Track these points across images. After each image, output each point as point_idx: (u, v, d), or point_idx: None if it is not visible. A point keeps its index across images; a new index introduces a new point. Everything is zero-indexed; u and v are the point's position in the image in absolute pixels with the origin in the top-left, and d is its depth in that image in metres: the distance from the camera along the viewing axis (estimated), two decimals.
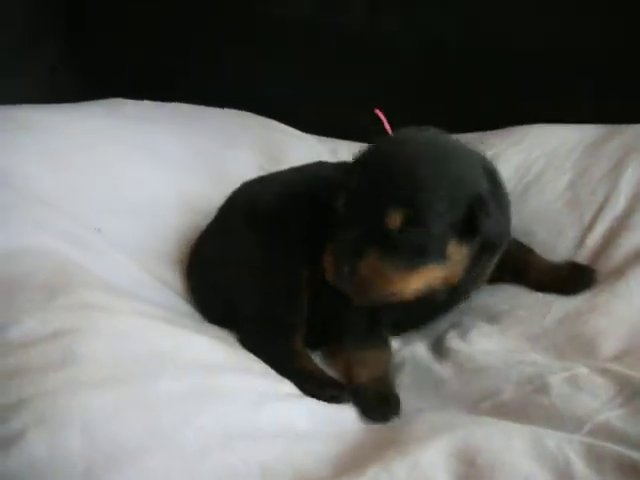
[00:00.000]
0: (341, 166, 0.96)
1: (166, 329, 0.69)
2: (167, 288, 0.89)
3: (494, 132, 1.27)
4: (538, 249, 0.98)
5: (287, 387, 0.71)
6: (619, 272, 0.90)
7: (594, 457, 0.58)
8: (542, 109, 1.30)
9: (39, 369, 0.58)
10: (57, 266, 0.73)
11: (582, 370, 0.73)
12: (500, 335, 0.85)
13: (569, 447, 0.59)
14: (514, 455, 0.59)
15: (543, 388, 0.72)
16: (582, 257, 0.97)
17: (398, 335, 0.90)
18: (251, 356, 0.76)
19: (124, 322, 0.67)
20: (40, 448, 0.52)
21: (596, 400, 0.68)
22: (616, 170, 1.04)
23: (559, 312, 0.86)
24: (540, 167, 1.12)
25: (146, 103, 1.38)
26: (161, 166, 1.07)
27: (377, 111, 0.91)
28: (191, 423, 0.58)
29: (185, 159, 1.14)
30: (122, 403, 0.56)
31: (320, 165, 1.04)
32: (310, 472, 0.59)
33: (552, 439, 0.60)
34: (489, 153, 1.17)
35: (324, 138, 1.51)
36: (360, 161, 0.81)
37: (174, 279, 0.93)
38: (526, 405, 0.71)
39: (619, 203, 0.99)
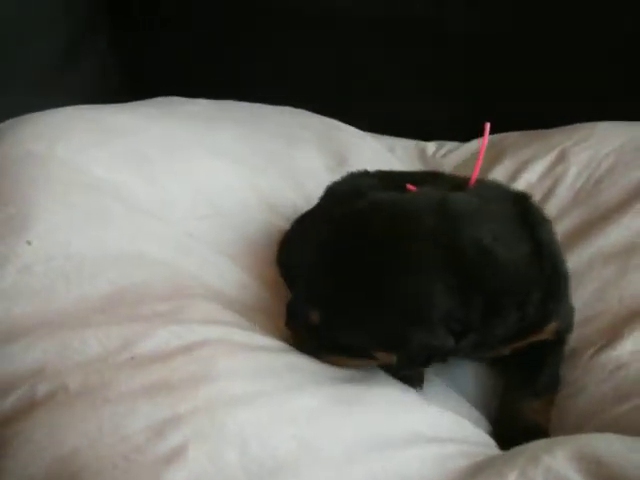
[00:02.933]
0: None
1: None
2: (270, 288, 0.89)
3: (557, 129, 1.28)
4: None
5: (411, 395, 0.72)
6: None
7: None
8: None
9: (186, 384, 0.59)
10: (172, 276, 0.74)
11: None
12: None
13: None
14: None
15: None
16: None
17: None
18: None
19: (253, 335, 0.69)
20: (203, 462, 0.53)
21: None
22: None
23: None
24: (610, 163, 1.12)
25: (202, 102, 1.37)
26: (235, 167, 1.08)
27: (486, 125, 0.86)
28: (335, 434, 0.59)
29: (255, 159, 1.15)
30: (272, 416, 0.57)
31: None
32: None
33: None
34: (556, 150, 1.20)
35: (378, 136, 1.52)
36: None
37: (275, 278, 0.93)
38: None
39: None
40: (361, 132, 1.49)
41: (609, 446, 0.62)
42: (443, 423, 0.70)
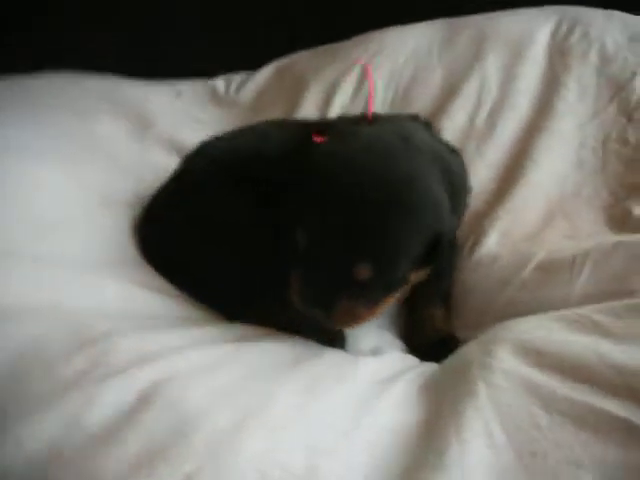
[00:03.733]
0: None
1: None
2: (161, 293, 0.79)
3: (347, 42, 1.31)
4: None
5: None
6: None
7: None
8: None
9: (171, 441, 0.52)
10: (64, 318, 0.62)
11: None
12: None
13: None
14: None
15: None
16: (472, 137, 1.07)
17: None
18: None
19: (193, 356, 0.62)
20: None
21: None
22: (479, 59, 1.16)
23: None
24: (411, 70, 1.20)
25: None
26: (48, 166, 0.90)
27: (367, 66, 0.85)
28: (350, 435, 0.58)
29: (63, 149, 0.98)
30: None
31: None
32: None
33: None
34: (359, 64, 1.23)
35: (164, 81, 1.40)
36: (315, 181, 0.74)
37: (158, 280, 0.83)
38: None
39: (492, 90, 1.12)
40: (142, 81, 1.36)
41: (533, 332, 0.72)
42: (388, 364, 0.74)
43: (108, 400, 0.56)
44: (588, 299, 0.76)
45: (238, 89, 1.40)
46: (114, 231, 0.88)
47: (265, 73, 1.39)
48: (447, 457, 0.56)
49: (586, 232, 0.90)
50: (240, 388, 0.61)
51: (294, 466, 0.54)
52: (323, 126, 0.88)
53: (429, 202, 0.73)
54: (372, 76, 0.90)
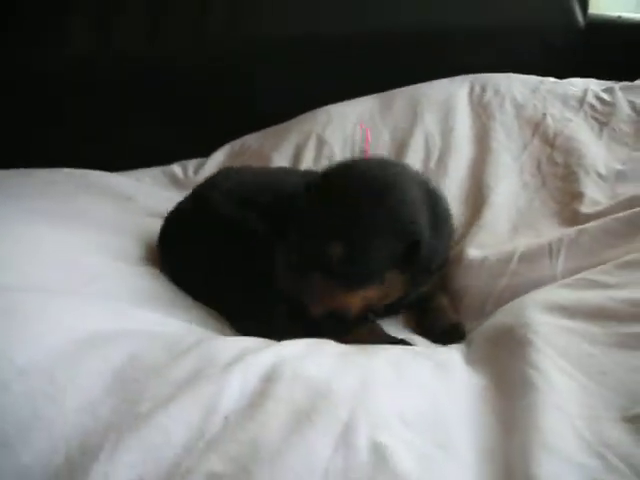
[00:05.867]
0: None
1: None
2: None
3: (294, 120, 1.47)
4: None
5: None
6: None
7: None
8: None
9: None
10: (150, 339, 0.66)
11: None
12: None
13: None
14: None
15: None
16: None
17: None
18: None
19: (284, 349, 0.69)
20: None
21: None
22: (417, 118, 1.37)
23: None
24: (361, 134, 1.38)
25: None
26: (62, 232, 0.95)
27: (362, 126, 1.01)
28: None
29: (59, 223, 1.01)
30: None
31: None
32: None
33: None
34: (314, 135, 1.39)
35: (124, 173, 1.46)
36: (315, 185, 0.88)
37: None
38: None
39: (436, 140, 1.33)
40: (106, 173, 1.42)
41: (549, 297, 0.85)
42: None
43: (235, 385, 0.60)
44: (570, 273, 0.91)
45: (196, 171, 1.49)
46: (138, 278, 0.92)
47: (220, 155, 1.50)
48: (536, 387, 0.65)
49: (548, 232, 1.07)
50: (342, 363, 0.67)
51: (418, 408, 0.61)
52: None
53: (406, 209, 0.85)
54: (369, 137, 1.08)
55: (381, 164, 0.93)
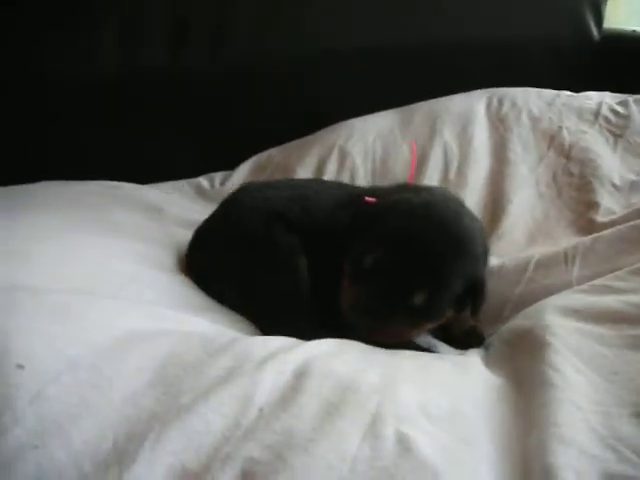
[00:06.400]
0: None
1: None
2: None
3: (322, 131, 1.53)
4: None
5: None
6: None
7: None
8: None
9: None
10: (193, 338, 0.71)
11: None
12: None
13: None
14: None
15: None
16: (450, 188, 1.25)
17: None
18: None
19: (315, 348, 0.73)
20: None
21: None
22: (436, 131, 1.41)
23: None
24: (381, 146, 1.43)
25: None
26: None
27: (412, 143, 1.04)
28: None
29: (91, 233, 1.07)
30: None
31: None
32: None
33: None
34: (337, 148, 1.44)
35: (153, 185, 1.52)
36: (388, 227, 0.89)
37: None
38: None
39: (454, 152, 1.37)
40: (138, 186, 1.47)
41: (564, 302, 0.88)
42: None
43: (269, 380, 0.64)
44: (586, 280, 0.95)
45: (222, 183, 1.54)
46: (171, 284, 0.97)
47: (246, 167, 1.56)
48: (554, 386, 0.68)
49: (564, 241, 1.11)
50: (368, 361, 0.71)
51: (440, 404, 0.65)
52: (369, 190, 1.06)
53: (478, 253, 0.89)
54: (415, 153, 1.12)
55: (450, 205, 0.94)
